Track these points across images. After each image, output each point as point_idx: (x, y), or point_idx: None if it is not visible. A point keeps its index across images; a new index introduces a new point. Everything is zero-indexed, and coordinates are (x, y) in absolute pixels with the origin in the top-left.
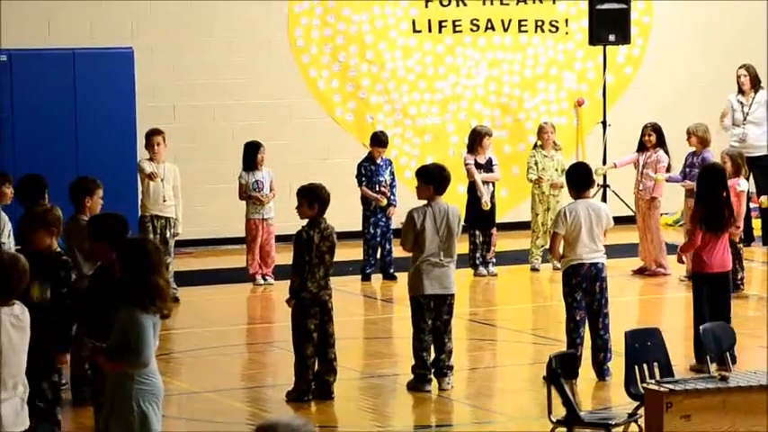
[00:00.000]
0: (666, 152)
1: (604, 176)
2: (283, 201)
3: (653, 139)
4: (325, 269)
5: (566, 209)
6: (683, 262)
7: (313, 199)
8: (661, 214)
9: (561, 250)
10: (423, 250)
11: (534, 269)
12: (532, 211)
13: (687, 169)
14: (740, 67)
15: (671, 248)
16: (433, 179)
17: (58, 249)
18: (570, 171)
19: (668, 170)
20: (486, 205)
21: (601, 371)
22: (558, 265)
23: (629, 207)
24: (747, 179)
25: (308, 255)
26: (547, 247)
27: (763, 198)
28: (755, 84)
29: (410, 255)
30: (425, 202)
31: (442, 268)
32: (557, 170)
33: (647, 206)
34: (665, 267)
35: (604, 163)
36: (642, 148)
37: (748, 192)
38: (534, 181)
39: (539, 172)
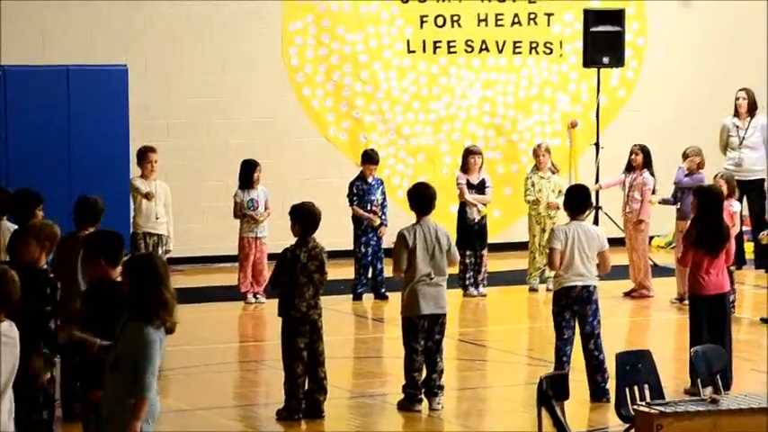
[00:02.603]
0: (652, 173)
1: (596, 197)
2: (276, 219)
3: (639, 159)
4: (315, 288)
5: (559, 227)
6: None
7: (300, 218)
8: (652, 237)
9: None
10: (416, 269)
11: (533, 289)
12: (529, 232)
13: (679, 193)
14: (740, 90)
15: (662, 271)
16: (413, 198)
17: (46, 266)
18: (569, 192)
19: (653, 192)
20: (478, 213)
21: (598, 392)
22: (538, 287)
23: (620, 228)
24: (740, 201)
25: (293, 274)
26: (543, 267)
27: (762, 234)
28: (752, 108)
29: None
30: (415, 221)
31: (437, 287)
32: (553, 191)
33: (634, 228)
34: (649, 289)
35: (597, 193)
36: (629, 168)
37: (741, 214)
38: (531, 202)
39: (535, 193)
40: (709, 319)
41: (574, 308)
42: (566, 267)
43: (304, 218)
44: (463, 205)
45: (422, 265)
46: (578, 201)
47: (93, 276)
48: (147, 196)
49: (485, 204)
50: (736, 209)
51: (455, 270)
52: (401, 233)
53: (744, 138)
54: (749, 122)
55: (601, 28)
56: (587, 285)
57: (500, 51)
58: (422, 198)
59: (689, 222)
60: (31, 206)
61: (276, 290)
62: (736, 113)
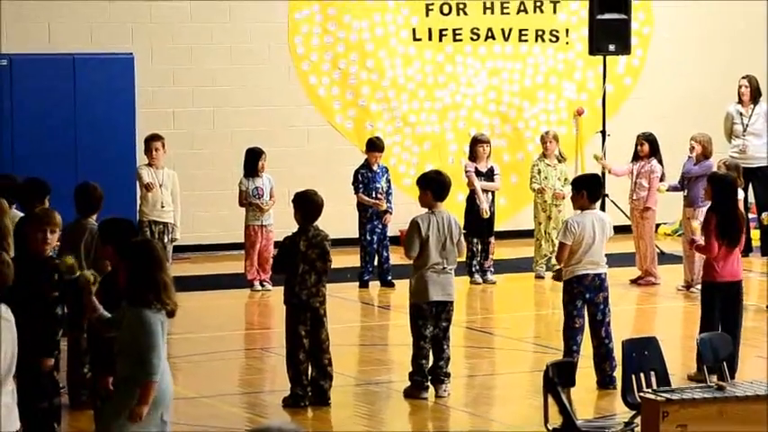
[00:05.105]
0: (660, 161)
1: (604, 176)
2: (282, 207)
3: (645, 148)
4: (318, 276)
5: (574, 220)
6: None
7: (300, 206)
8: (659, 224)
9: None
10: (428, 258)
11: (539, 276)
12: (535, 219)
13: (686, 180)
14: (742, 78)
15: (669, 258)
16: (429, 184)
17: (51, 254)
18: (587, 180)
19: (662, 179)
20: (485, 213)
21: (606, 380)
22: (544, 274)
23: (627, 216)
24: (746, 190)
25: (293, 262)
26: (550, 254)
27: (764, 215)
28: (755, 95)
29: (410, 262)
30: (426, 210)
31: (446, 275)
32: (559, 179)
33: (641, 215)
34: (656, 277)
35: (603, 175)
36: (636, 157)
37: (747, 202)
38: (537, 191)
39: (541, 181)
40: (723, 307)
41: (586, 296)
42: (578, 257)
43: (303, 206)
44: (473, 193)
45: (434, 254)
46: (596, 189)
47: (107, 262)
48: (147, 187)
49: (493, 192)
50: (740, 196)
51: (462, 258)
52: (415, 221)
53: (747, 125)
54: (752, 110)
55: (607, 16)
56: (599, 273)
57: (506, 39)
58: (440, 184)
59: (704, 211)
60: (41, 195)
61: (277, 275)
62: (740, 101)
